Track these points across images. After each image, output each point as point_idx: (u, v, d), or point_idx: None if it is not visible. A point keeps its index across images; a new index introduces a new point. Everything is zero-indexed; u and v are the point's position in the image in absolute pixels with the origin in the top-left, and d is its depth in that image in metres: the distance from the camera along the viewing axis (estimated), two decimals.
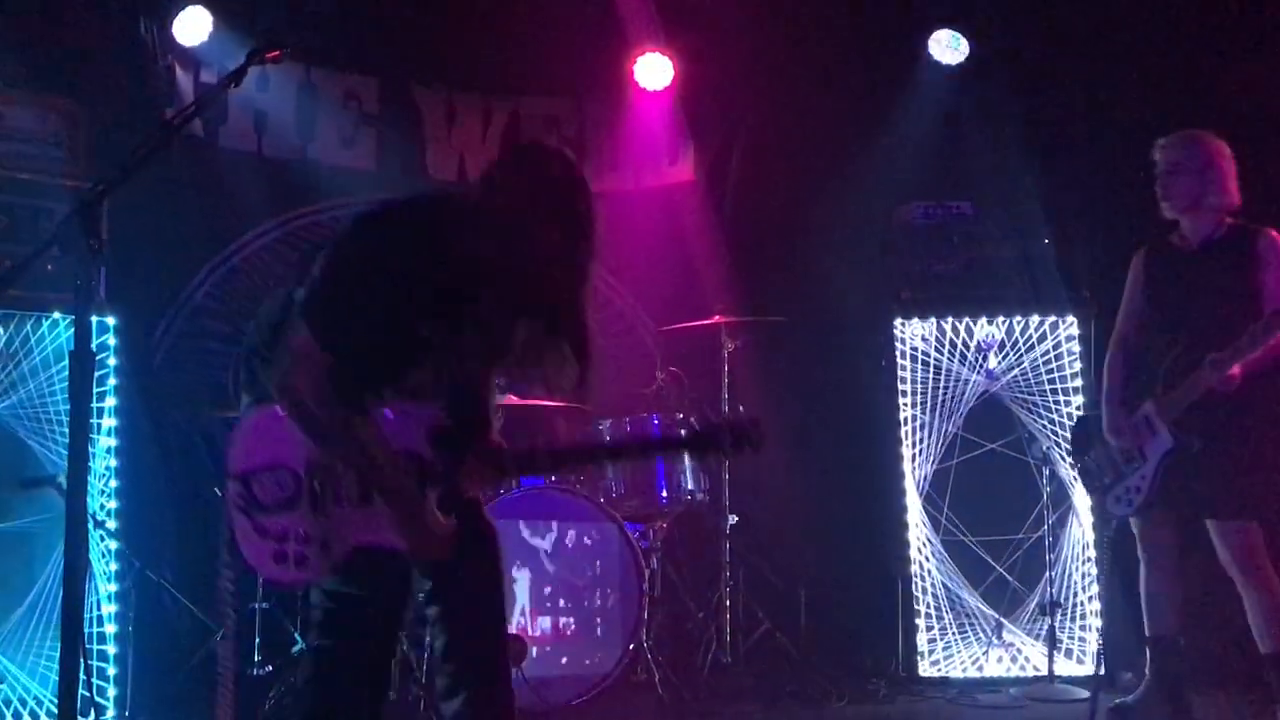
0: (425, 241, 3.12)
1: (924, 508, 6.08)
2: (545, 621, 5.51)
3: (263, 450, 3.27)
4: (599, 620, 5.57)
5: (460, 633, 3.30)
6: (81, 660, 2.98)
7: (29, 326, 5.28)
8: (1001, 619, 5.99)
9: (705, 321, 6.12)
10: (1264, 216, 4.91)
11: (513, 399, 5.77)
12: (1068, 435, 5.68)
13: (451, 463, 3.21)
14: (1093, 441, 5.15)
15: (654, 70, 7.06)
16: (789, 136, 7.02)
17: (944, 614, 6.03)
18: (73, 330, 4.82)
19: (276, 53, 3.24)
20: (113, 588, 5.36)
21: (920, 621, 6.04)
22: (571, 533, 5.60)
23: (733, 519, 6.07)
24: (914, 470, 6.10)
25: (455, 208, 3.19)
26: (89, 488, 3.54)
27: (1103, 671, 5.40)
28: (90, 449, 4.74)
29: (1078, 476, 5.36)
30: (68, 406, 5.20)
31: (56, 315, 5.30)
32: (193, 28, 6.22)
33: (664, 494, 5.87)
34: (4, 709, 5.09)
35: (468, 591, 3.32)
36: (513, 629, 5.38)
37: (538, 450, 3.41)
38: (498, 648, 3.34)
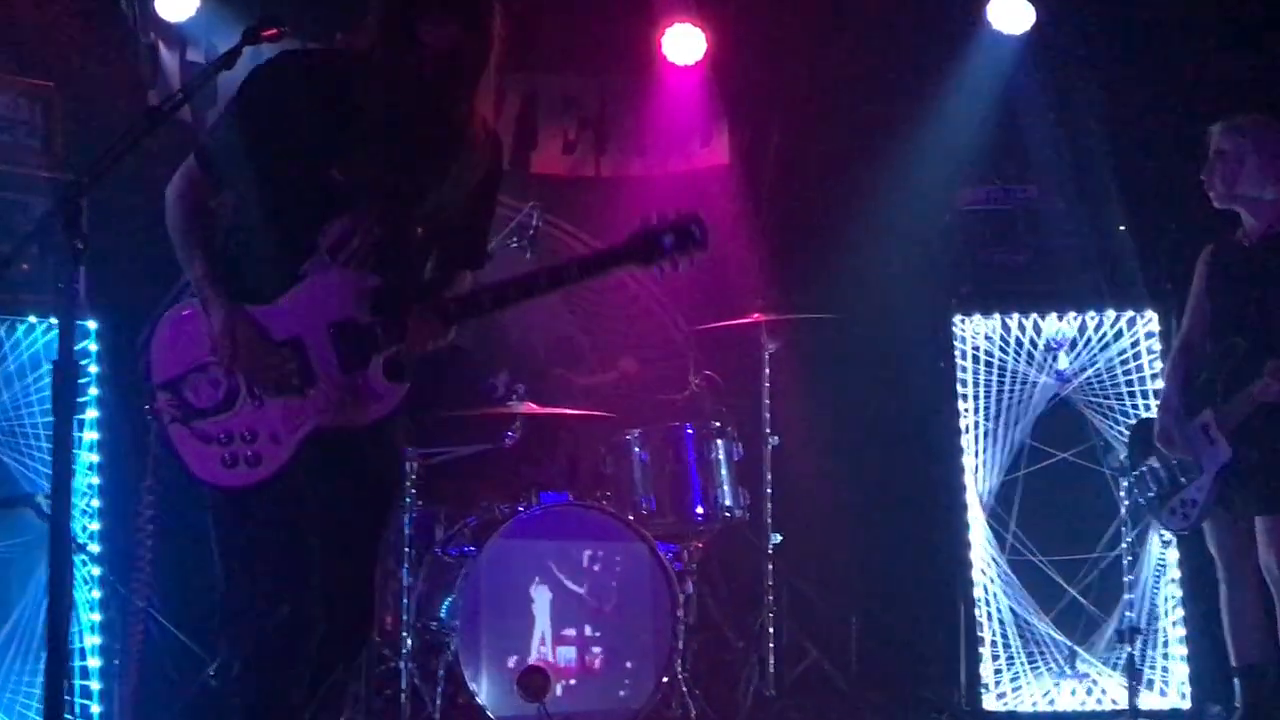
0: (316, 75, 3.40)
1: (988, 524, 6.06)
2: (570, 652, 5.51)
3: (185, 352, 3.42)
4: (629, 651, 5.57)
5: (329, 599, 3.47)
6: (65, 697, 3.01)
7: (2, 332, 5.31)
8: (1075, 647, 5.97)
9: (743, 320, 6.12)
10: None
11: (532, 407, 5.79)
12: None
13: (392, 324, 3.38)
14: (1151, 448, 5.18)
15: (684, 43, 7.04)
16: (834, 114, 7.02)
17: (1011, 642, 6.01)
18: (51, 335, 4.84)
19: (274, 31, 3.31)
20: (96, 617, 5.39)
21: (985, 650, 6.01)
22: (598, 553, 5.60)
23: (776, 538, 6.07)
24: (977, 483, 6.08)
25: (346, 44, 3.49)
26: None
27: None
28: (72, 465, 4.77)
29: (1131, 486, 5.38)
30: (46, 419, 5.30)
31: (32, 319, 5.33)
32: (177, 2, 6.24)
33: (699, 510, 5.88)
34: None
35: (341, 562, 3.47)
36: (534, 660, 5.40)
37: (480, 289, 3.53)
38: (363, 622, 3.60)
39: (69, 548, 2.93)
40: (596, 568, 5.59)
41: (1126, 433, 5.80)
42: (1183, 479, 5.08)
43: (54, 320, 5.26)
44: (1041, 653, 6.01)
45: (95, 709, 5.34)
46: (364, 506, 3.54)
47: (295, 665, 3.42)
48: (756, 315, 6.09)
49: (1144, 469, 5.29)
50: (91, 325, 5.45)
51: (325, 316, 3.39)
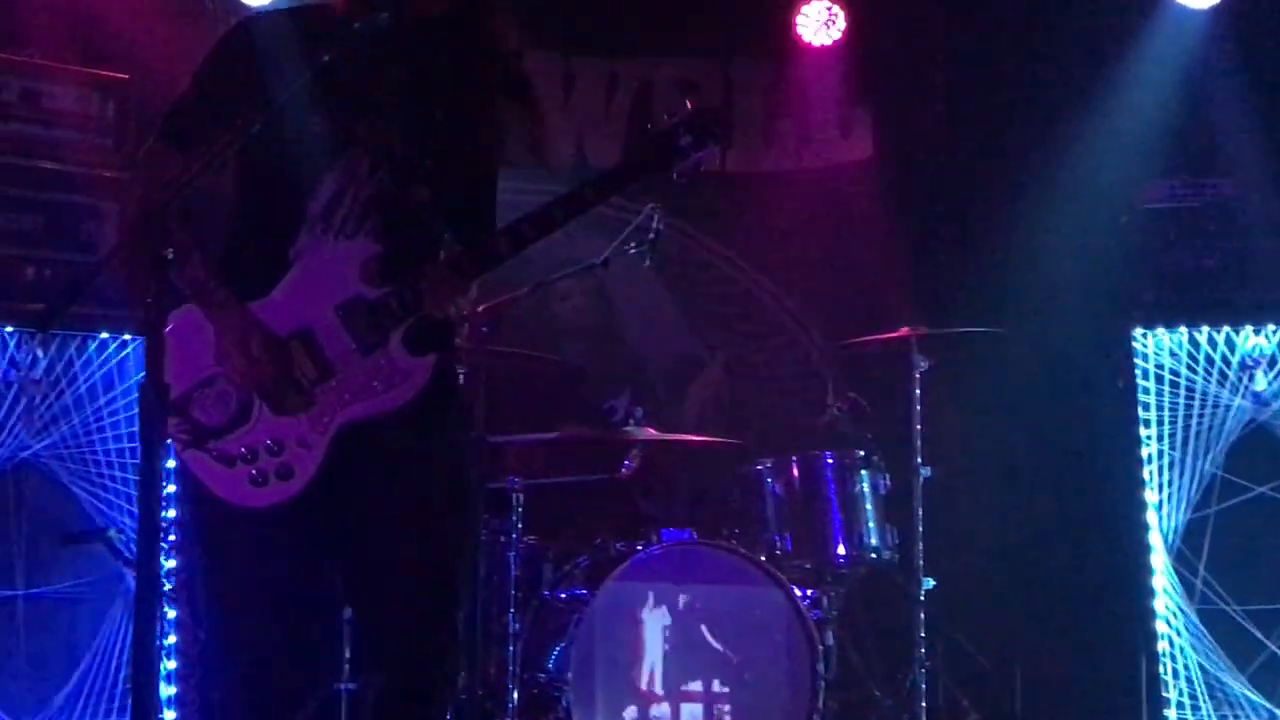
0: (289, 30, 3.46)
1: (1174, 568, 6.03)
2: (696, 709, 5.56)
3: (185, 368, 3.41)
4: (762, 709, 5.60)
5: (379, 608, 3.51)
6: None
7: (73, 350, 5.44)
8: (1275, 709, 5.92)
9: (891, 335, 6.13)
10: None
11: (652, 433, 5.86)
12: None
13: (404, 292, 3.40)
14: None
15: (821, 21, 7.09)
16: (993, 100, 7.01)
17: (1201, 703, 5.97)
18: (125, 354, 4.96)
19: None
20: (171, 664, 5.52)
21: (1170, 713, 5.98)
22: (726, 599, 5.65)
23: (929, 583, 6.06)
24: (1161, 521, 6.05)
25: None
26: None
27: None
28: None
29: None
30: (119, 445, 5.46)
31: (104, 335, 5.46)
32: None
33: (841, 551, 5.90)
34: None
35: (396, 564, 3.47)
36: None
37: (495, 237, 3.53)
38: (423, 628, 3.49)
39: (159, 589, 3.03)
40: (726, 615, 5.63)
41: None
42: None
43: (128, 337, 5.43)
44: (1236, 715, 5.96)
45: None
46: (415, 517, 3.50)
47: None
48: (906, 329, 6.09)
49: None
50: None
51: (329, 300, 3.42)
